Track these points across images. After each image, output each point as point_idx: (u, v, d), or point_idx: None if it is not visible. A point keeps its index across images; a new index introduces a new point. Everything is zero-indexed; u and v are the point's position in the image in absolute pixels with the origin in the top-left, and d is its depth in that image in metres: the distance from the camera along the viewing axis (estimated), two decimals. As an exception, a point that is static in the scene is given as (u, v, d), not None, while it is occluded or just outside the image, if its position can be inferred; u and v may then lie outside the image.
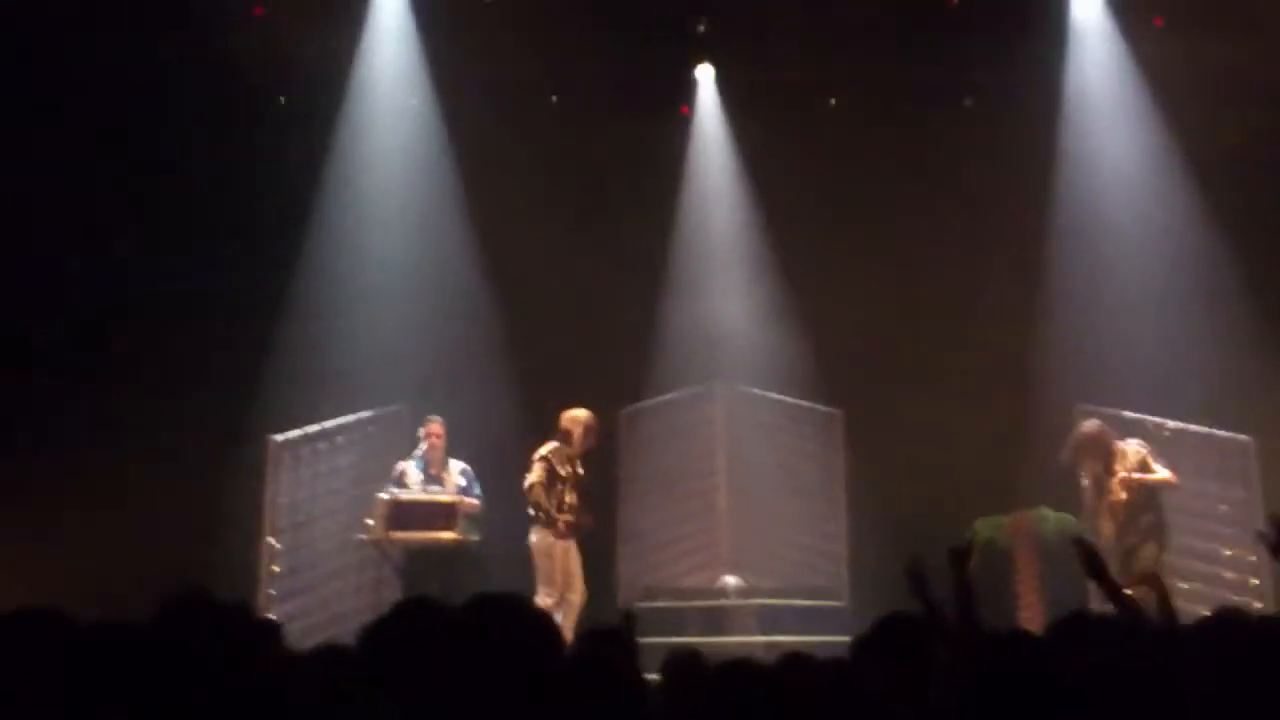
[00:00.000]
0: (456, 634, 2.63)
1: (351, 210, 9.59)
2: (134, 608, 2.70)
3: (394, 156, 9.85)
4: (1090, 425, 7.82)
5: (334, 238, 9.48)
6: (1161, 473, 7.66)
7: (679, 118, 10.26)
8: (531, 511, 7.65)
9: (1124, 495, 7.52)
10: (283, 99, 9.70)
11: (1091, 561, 3.84)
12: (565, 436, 7.87)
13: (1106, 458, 7.66)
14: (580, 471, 7.89)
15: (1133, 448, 7.72)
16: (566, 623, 7.14)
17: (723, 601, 8.16)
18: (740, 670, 2.76)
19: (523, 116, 9.76)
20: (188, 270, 9.01)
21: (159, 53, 9.12)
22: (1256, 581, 8.34)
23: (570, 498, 7.72)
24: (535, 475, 7.66)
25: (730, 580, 8.85)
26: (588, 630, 3.12)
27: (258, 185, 9.17)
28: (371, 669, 2.68)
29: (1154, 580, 4.14)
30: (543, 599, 7.25)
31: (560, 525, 7.59)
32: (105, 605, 2.79)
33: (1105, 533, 7.61)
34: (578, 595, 7.69)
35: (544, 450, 7.78)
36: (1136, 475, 7.56)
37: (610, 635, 3.56)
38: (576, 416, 7.90)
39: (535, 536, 7.64)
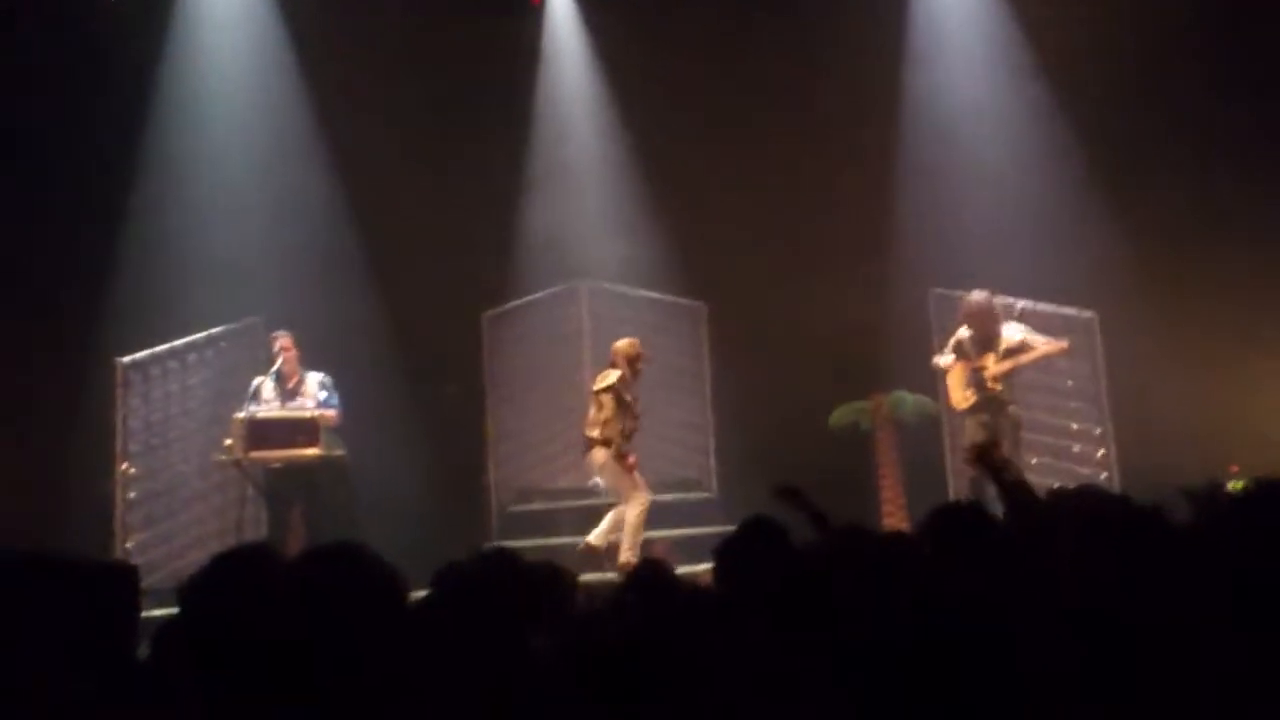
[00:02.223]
0: (287, 590, 2.54)
1: (190, 115, 9.16)
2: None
3: (232, 56, 9.43)
4: (979, 296, 7.76)
5: (173, 145, 9.05)
6: (1042, 345, 7.81)
7: (530, 9, 9.97)
8: (596, 435, 7.25)
9: (997, 387, 7.70)
10: (111, -5, 9.12)
11: (987, 461, 3.88)
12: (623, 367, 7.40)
13: (991, 329, 7.72)
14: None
15: (1013, 332, 7.79)
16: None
17: (595, 500, 8.18)
18: None
19: (367, 12, 9.35)
20: (16, 184, 8.51)
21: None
22: (1103, 452, 8.72)
23: (633, 425, 7.37)
24: (611, 409, 7.21)
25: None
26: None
27: (88, 90, 8.67)
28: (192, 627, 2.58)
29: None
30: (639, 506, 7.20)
31: (630, 460, 7.28)
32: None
33: (958, 400, 7.84)
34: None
35: (612, 380, 7.31)
36: (1009, 364, 7.72)
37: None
38: (619, 347, 7.49)
39: (602, 458, 7.28)
